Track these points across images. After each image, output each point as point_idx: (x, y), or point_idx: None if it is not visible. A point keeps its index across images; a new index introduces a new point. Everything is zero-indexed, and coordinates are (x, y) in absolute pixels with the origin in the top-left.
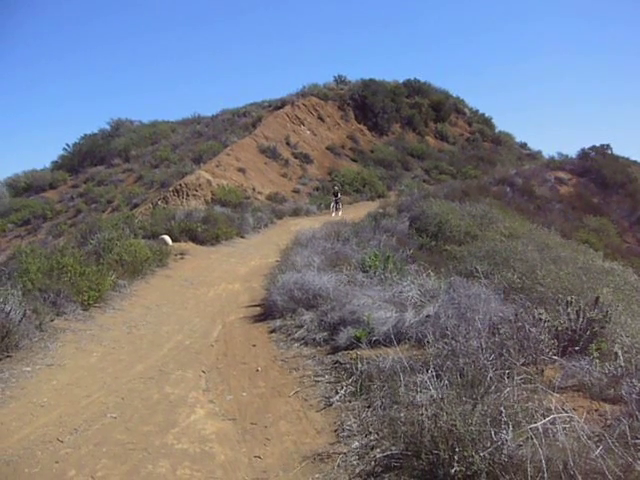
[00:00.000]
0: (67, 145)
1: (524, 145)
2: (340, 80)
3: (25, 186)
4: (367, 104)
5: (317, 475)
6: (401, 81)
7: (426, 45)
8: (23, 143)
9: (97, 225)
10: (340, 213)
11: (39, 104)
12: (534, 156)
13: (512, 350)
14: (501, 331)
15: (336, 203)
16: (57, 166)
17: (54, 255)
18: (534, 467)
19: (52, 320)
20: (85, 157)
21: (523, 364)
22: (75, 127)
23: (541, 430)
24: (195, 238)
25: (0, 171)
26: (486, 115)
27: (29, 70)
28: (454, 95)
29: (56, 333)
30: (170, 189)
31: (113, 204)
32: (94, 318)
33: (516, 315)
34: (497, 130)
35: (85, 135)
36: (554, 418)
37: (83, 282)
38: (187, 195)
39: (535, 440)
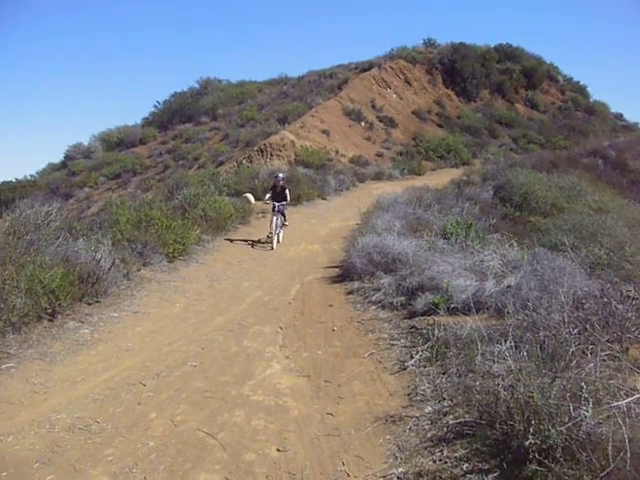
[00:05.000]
0: (157, 102)
1: (620, 116)
2: (429, 43)
3: (117, 141)
4: (456, 69)
5: (388, 436)
6: (492, 46)
7: (521, 8)
8: (117, 99)
9: (184, 181)
10: (281, 235)
11: (132, 61)
12: (630, 128)
13: (596, 326)
14: (585, 306)
15: (278, 211)
16: (147, 122)
17: (142, 208)
18: (614, 446)
19: (139, 270)
20: (174, 114)
21: (607, 341)
22: (167, 84)
23: (624, 409)
24: None
25: (95, 126)
26: (580, 83)
27: (126, 26)
28: (547, 61)
29: (142, 282)
30: (255, 148)
31: (199, 161)
32: (178, 270)
33: (602, 291)
34: (591, 99)
35: (175, 93)
36: (639, 398)
37: (169, 235)
38: (271, 155)
39: (618, 419)
